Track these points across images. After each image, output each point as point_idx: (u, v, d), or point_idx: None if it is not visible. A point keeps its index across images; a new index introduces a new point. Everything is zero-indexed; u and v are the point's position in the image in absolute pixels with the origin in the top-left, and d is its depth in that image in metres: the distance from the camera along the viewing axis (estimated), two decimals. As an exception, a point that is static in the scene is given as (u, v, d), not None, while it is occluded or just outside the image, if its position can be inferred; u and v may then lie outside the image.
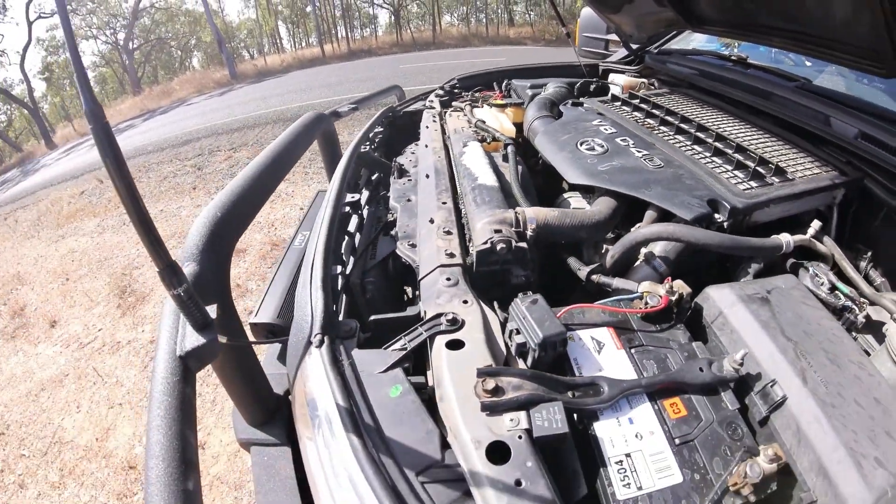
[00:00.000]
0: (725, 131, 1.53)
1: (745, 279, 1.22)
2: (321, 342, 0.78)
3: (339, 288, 1.11)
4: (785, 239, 1.19)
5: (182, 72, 24.28)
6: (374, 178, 1.78)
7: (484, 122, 1.90)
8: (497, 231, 1.04)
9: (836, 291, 1.13)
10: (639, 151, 1.47)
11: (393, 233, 1.28)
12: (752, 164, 1.33)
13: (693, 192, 1.26)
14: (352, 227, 1.45)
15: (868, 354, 1.07)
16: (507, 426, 0.66)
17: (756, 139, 1.53)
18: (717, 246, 1.11)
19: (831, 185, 1.33)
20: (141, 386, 3.17)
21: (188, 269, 0.85)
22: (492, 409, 0.68)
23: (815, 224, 1.26)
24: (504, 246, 1.00)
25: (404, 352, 0.77)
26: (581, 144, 1.53)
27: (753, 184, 1.30)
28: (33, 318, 4.31)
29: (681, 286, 0.97)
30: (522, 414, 0.68)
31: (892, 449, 0.75)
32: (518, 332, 0.81)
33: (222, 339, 0.74)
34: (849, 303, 1.11)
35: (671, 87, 2.18)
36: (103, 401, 3.12)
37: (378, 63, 16.48)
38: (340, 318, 1.14)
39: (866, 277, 1.26)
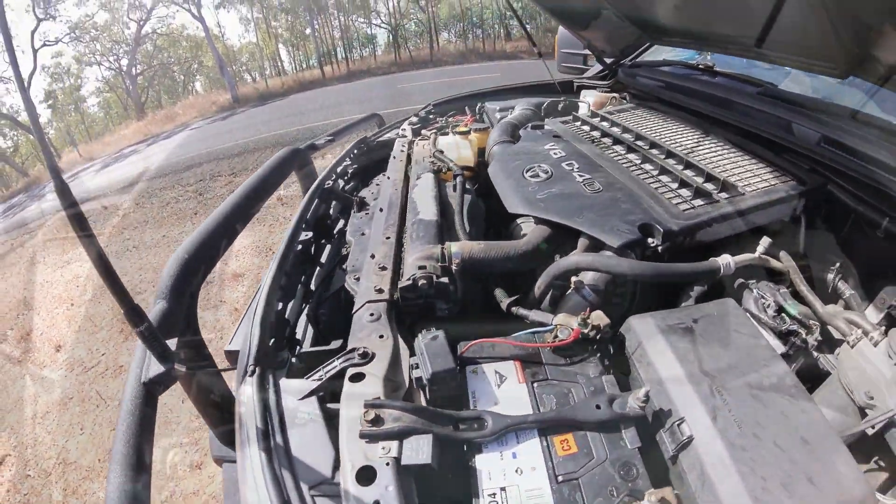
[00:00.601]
0: (679, 147, 1.50)
1: (686, 303, 1.17)
2: (253, 372, 0.91)
3: (285, 319, 1.24)
4: (724, 261, 1.12)
5: (185, 96, 24.87)
6: (341, 210, 1.90)
7: (442, 151, 1.92)
8: (421, 267, 1.12)
9: (783, 314, 1.07)
10: (581, 176, 1.45)
11: (344, 266, 1.37)
12: (698, 182, 1.30)
13: (626, 216, 1.22)
14: (322, 258, 1.57)
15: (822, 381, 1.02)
16: (379, 453, 0.74)
17: (711, 153, 1.49)
18: (636, 276, 1.07)
19: (787, 196, 1.27)
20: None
21: (159, 306, 1.01)
22: (370, 437, 0.76)
23: (765, 241, 1.20)
24: (425, 282, 1.08)
25: (319, 382, 0.89)
26: (527, 172, 1.52)
27: (698, 202, 1.27)
28: (39, 343, 4.48)
29: (598, 317, 0.95)
30: (395, 443, 0.75)
31: (812, 497, 0.68)
32: (416, 367, 0.89)
33: (181, 369, 0.90)
34: (794, 326, 1.04)
35: (639, 101, 2.17)
36: (106, 423, 3.26)
37: (377, 83, 16.81)
38: (307, 347, 1.27)
39: (834, 290, 1.18)
